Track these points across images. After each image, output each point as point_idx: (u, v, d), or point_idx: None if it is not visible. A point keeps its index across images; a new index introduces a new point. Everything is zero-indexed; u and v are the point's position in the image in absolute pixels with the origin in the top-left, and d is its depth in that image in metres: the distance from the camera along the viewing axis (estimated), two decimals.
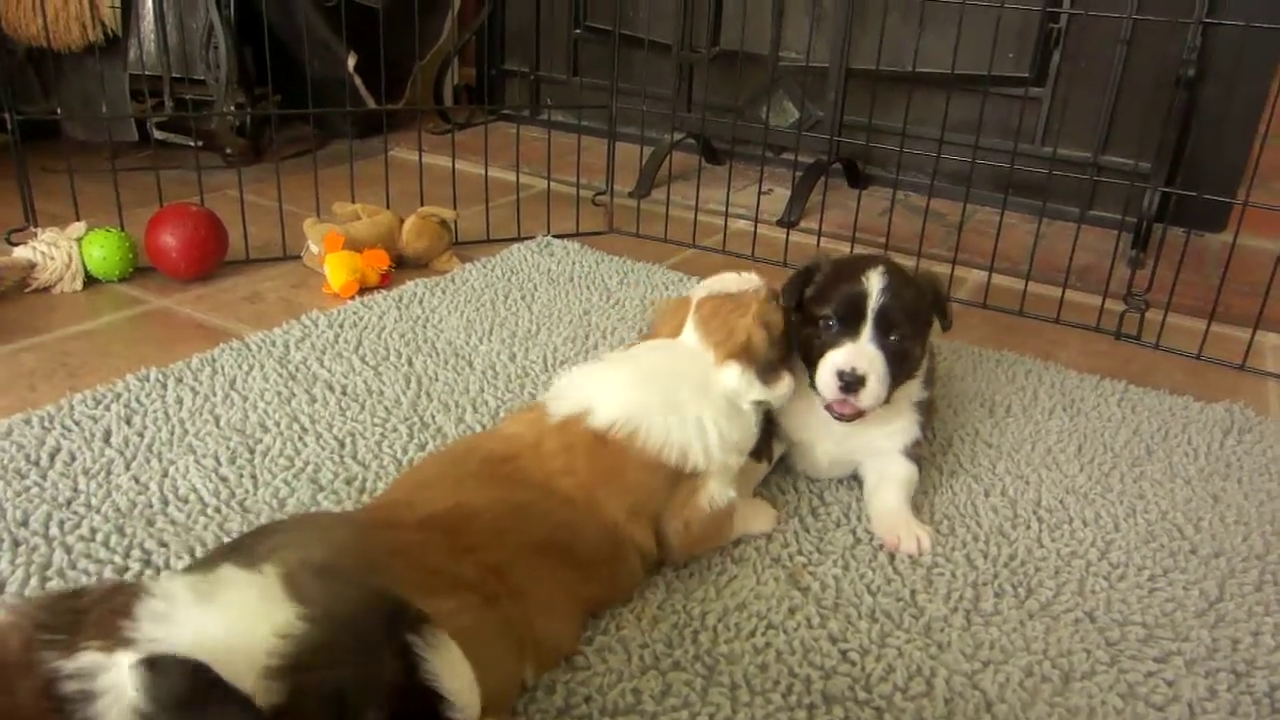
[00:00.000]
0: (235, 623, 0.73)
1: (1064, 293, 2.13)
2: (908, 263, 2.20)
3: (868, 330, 1.32)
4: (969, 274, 2.35)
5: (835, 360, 1.32)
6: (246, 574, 0.79)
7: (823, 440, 1.43)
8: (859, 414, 1.34)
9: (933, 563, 1.30)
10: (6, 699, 0.72)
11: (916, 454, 1.45)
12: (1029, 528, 1.39)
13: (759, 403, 1.32)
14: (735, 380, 1.28)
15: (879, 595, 1.24)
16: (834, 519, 1.38)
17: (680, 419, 1.24)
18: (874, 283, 1.33)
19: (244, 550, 1.00)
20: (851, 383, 1.30)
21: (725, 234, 2.48)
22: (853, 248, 2.29)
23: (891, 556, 1.31)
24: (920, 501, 1.43)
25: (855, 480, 1.47)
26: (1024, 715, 1.06)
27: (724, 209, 2.49)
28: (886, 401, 1.35)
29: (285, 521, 1.10)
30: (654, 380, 1.28)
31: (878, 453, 1.43)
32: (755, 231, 2.42)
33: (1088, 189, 2.47)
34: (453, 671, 0.78)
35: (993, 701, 1.08)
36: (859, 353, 1.32)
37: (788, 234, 2.47)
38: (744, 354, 1.30)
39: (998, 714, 1.06)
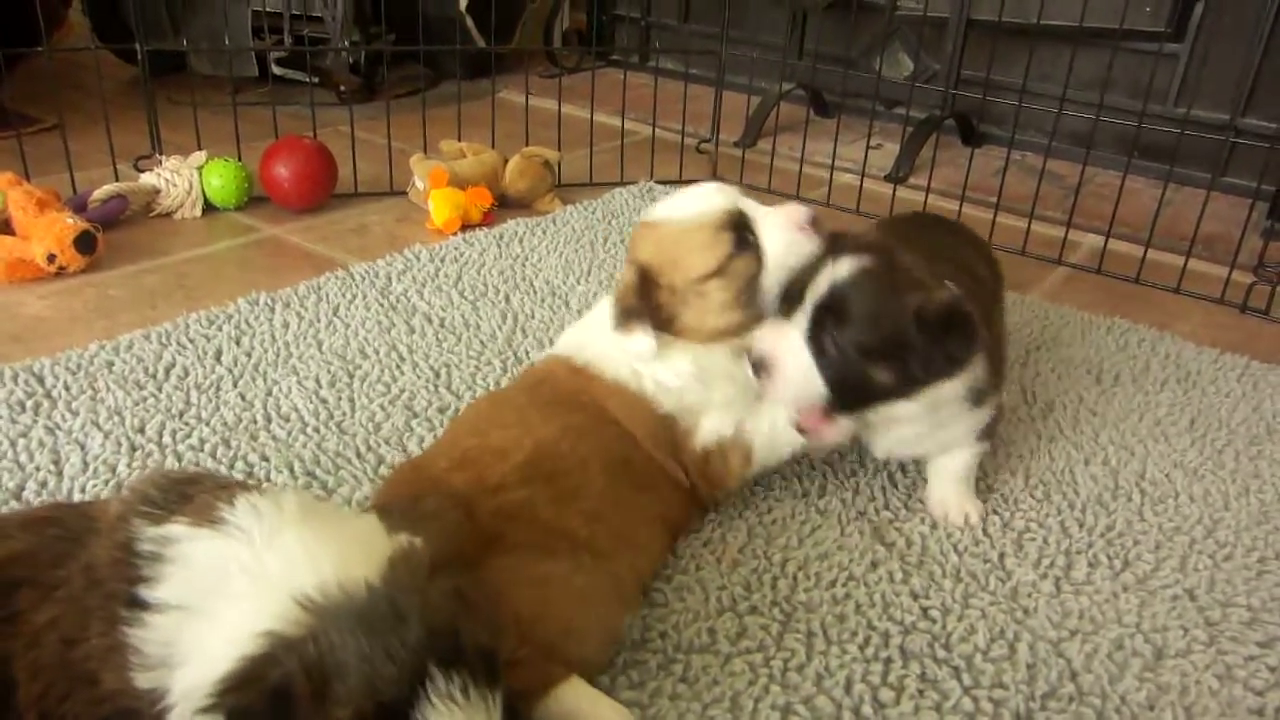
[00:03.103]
0: (314, 553, 0.74)
1: (1187, 261, 2.03)
2: (1018, 225, 2.15)
3: (801, 317, 1.09)
4: (1084, 238, 2.26)
5: (754, 338, 1.13)
6: (357, 517, 0.80)
7: (875, 437, 1.24)
8: (824, 437, 1.14)
9: (1025, 527, 1.26)
10: (88, 555, 0.77)
11: (986, 436, 1.27)
12: (1130, 499, 1.34)
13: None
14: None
15: (965, 555, 1.21)
16: (924, 476, 1.35)
17: (620, 358, 1.17)
18: (837, 270, 1.07)
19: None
20: (755, 365, 1.10)
21: (830, 187, 2.43)
22: (962, 206, 2.22)
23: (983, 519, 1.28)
24: (1016, 465, 1.39)
25: None
26: (1110, 688, 1.03)
27: (830, 162, 2.43)
28: (847, 428, 1.15)
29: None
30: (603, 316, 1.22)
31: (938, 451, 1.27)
32: (861, 186, 2.36)
33: (1222, 153, 2.34)
34: None
35: (1078, 671, 1.05)
36: (776, 334, 1.10)
37: (894, 190, 2.40)
38: (616, 298, 1.18)
39: (1082, 684, 1.03)
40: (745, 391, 1.17)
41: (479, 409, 1.23)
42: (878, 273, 1.07)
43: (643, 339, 1.13)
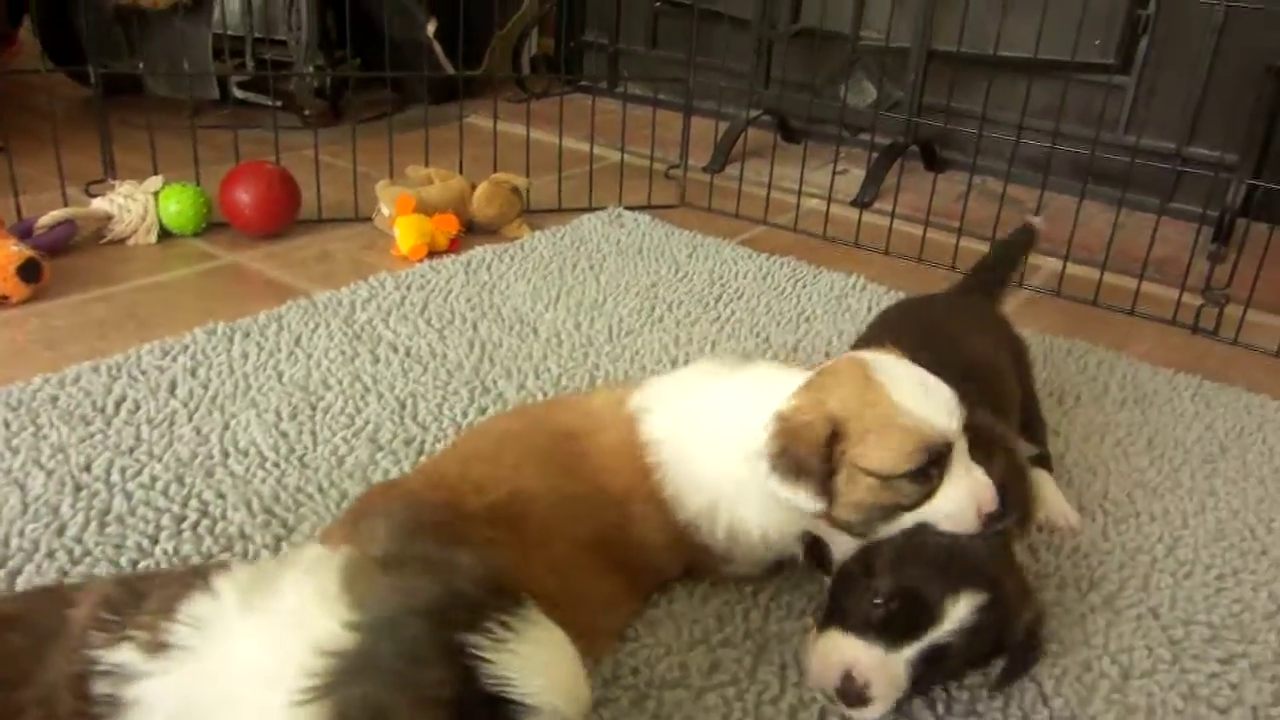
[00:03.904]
0: (274, 636, 0.69)
1: (1140, 284, 2.07)
2: (981, 248, 2.17)
3: (911, 652, 0.98)
4: (1044, 262, 2.29)
5: (843, 650, 0.99)
6: (304, 574, 0.74)
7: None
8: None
9: None
10: (47, 677, 0.70)
11: None
12: (1094, 520, 1.35)
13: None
14: (761, 457, 1.04)
15: None
16: None
17: (706, 474, 1.08)
18: (956, 612, 0.98)
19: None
20: (849, 694, 0.97)
21: (798, 212, 2.45)
22: (926, 231, 2.25)
23: None
24: None
25: None
26: (1081, 711, 1.04)
27: (797, 187, 2.45)
28: None
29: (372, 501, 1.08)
30: (711, 411, 1.10)
31: None
32: (828, 211, 2.39)
33: (1170, 180, 2.40)
34: (537, 668, 0.69)
35: (1049, 695, 1.06)
36: (877, 663, 0.98)
37: (861, 214, 2.43)
38: (791, 441, 1.02)
39: (1054, 708, 1.04)
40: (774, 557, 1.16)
41: (484, 436, 1.21)
42: (990, 612, 0.99)
43: (813, 501, 1.01)
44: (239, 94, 2.90)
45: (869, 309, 1.95)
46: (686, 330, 1.83)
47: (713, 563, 1.14)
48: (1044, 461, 1.41)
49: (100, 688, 0.69)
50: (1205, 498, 1.43)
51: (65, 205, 2.03)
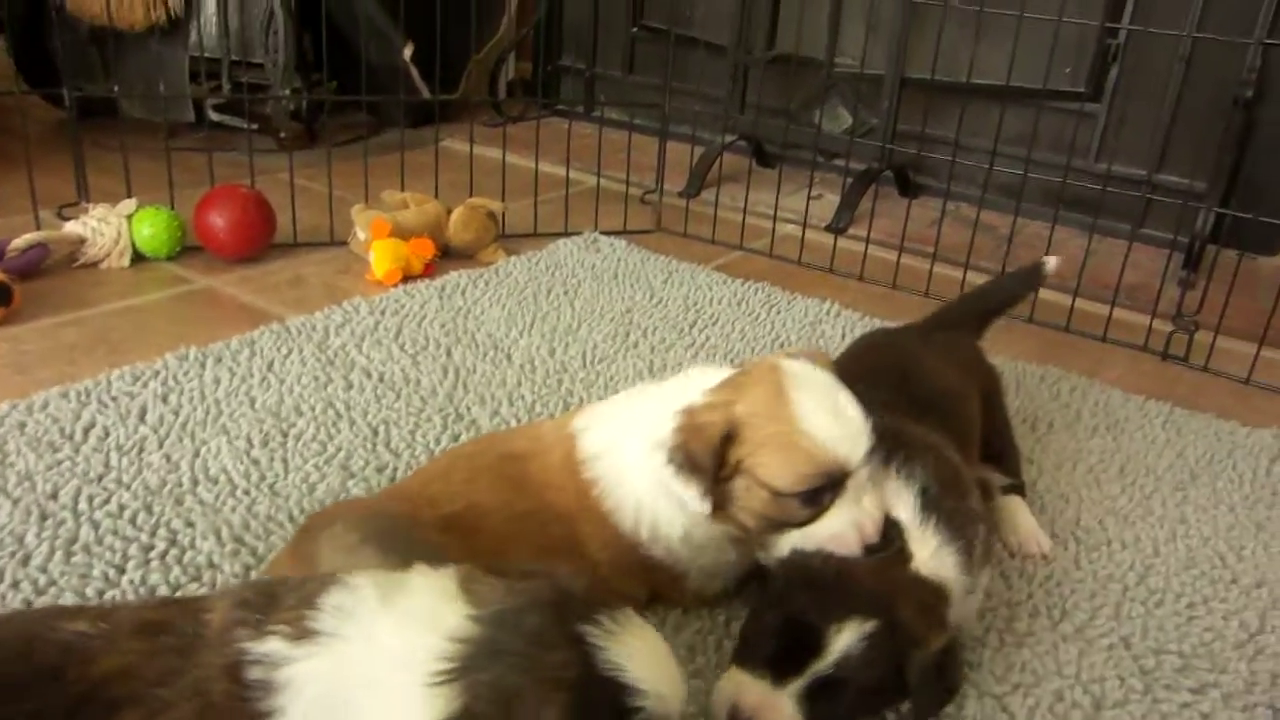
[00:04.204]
0: (409, 626, 0.76)
1: (1112, 310, 2.09)
2: (955, 275, 2.19)
3: (796, 687, 0.95)
4: None
5: (731, 687, 0.98)
6: (427, 577, 0.81)
7: None
8: None
9: None
10: (197, 672, 0.75)
11: None
12: (1066, 548, 1.36)
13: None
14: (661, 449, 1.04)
15: None
16: None
17: (630, 477, 1.07)
18: (840, 642, 0.94)
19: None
20: None
21: (773, 238, 2.46)
22: (900, 257, 2.26)
23: None
24: None
25: None
26: None
27: (773, 212, 2.46)
28: None
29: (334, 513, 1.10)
30: (639, 419, 1.09)
31: None
32: (803, 236, 2.40)
33: (1140, 207, 2.43)
34: (643, 659, 0.77)
35: None
36: (762, 700, 0.96)
37: (836, 240, 2.44)
38: (690, 436, 1.03)
39: None
40: (726, 568, 1.15)
41: (441, 462, 1.22)
42: (880, 642, 0.95)
43: (699, 500, 1.01)
44: (214, 116, 2.89)
45: (843, 335, 1.96)
46: (661, 356, 1.83)
47: (670, 582, 1.14)
48: (1018, 490, 1.41)
49: (252, 674, 0.74)
50: (1176, 525, 1.43)
51: (38, 228, 2.01)
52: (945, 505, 1.06)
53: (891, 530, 1.03)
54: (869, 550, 1.02)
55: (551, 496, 1.11)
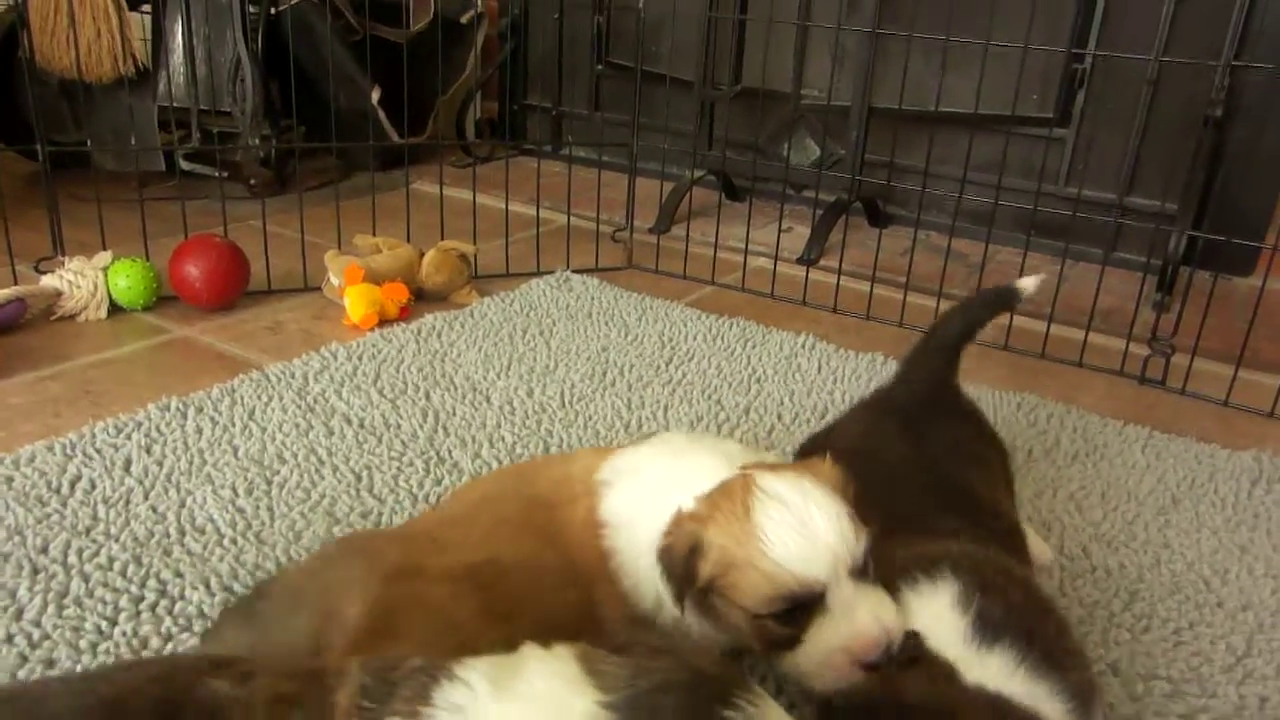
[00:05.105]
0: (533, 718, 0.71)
1: (1087, 336, 2.11)
2: (928, 304, 2.21)
3: None
4: None
5: None
6: (544, 661, 0.75)
7: None
8: None
9: None
10: None
11: None
12: (1051, 576, 1.37)
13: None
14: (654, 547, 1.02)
15: None
16: None
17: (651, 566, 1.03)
18: None
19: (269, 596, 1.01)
20: None
21: (744, 271, 2.48)
22: (873, 287, 2.28)
23: None
24: None
25: None
26: None
27: (744, 246, 2.48)
28: None
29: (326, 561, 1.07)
30: (662, 498, 1.04)
31: None
32: (775, 269, 2.41)
33: (1112, 231, 2.46)
34: None
35: None
36: None
37: (807, 272, 2.46)
38: (668, 544, 1.01)
39: None
40: None
41: (463, 501, 1.18)
42: None
43: (674, 606, 1.01)
44: (185, 165, 2.89)
45: (819, 368, 1.97)
46: (639, 394, 1.83)
47: None
48: None
49: None
50: (1160, 550, 1.44)
51: (15, 283, 2.01)
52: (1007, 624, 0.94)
53: (911, 643, 0.94)
54: (871, 667, 0.94)
55: (575, 555, 1.07)
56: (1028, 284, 1.52)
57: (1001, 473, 1.33)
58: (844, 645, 0.94)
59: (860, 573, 0.96)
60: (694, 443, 1.16)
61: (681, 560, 0.98)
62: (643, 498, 1.08)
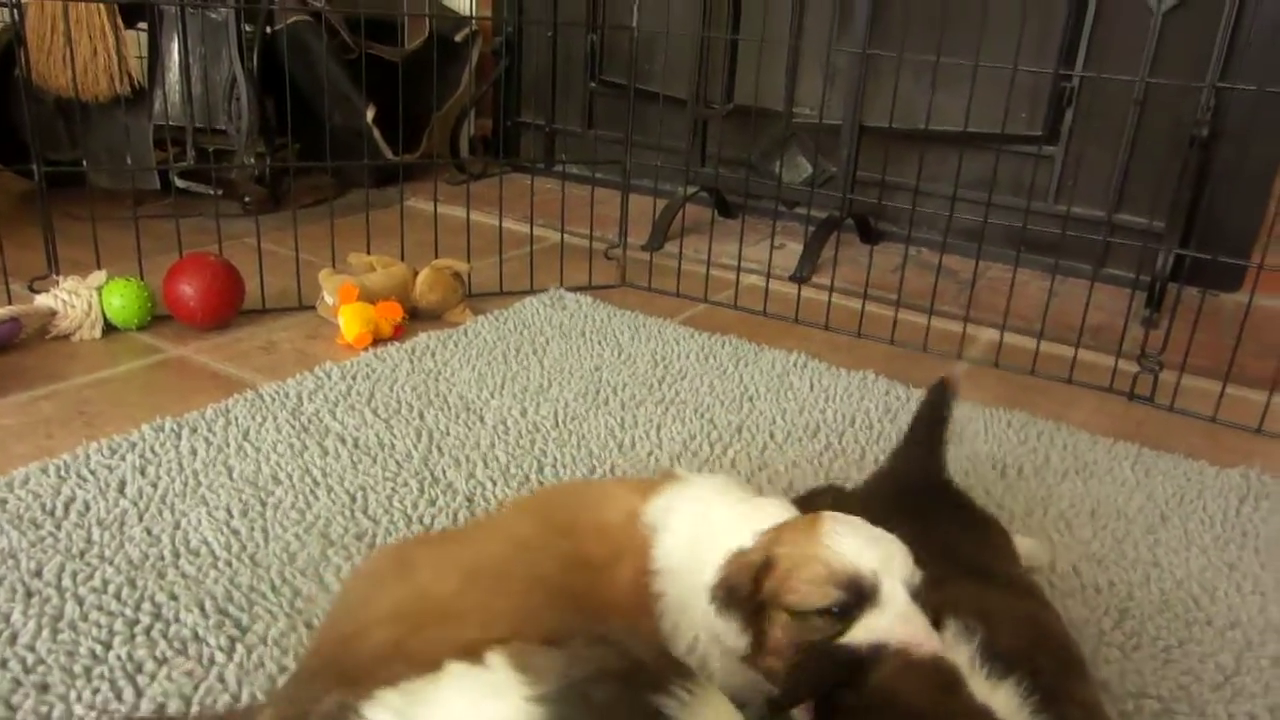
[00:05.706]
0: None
1: (1077, 352, 2.12)
2: (919, 321, 2.22)
3: None
4: (980, 332, 2.35)
5: None
6: (462, 672, 0.73)
7: None
8: None
9: None
10: None
11: None
12: (1048, 581, 1.37)
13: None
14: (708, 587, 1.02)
15: None
16: None
17: (700, 616, 1.02)
18: None
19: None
20: None
21: (737, 289, 2.49)
22: (864, 305, 2.30)
23: None
24: None
25: None
26: None
27: (736, 264, 2.50)
28: None
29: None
30: (717, 545, 1.04)
31: None
32: (767, 287, 2.43)
33: (1101, 248, 2.48)
34: None
35: None
36: None
37: (800, 289, 2.48)
38: (731, 571, 1.01)
39: None
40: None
41: (493, 543, 1.08)
42: None
43: (737, 634, 1.00)
44: (180, 183, 2.90)
45: (810, 386, 1.98)
46: (632, 413, 1.84)
47: None
48: None
49: None
50: (1150, 568, 1.45)
51: (9, 303, 2.01)
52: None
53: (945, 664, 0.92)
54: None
55: (617, 617, 1.03)
56: (957, 369, 1.55)
57: (1007, 547, 1.33)
58: (890, 632, 0.93)
59: (914, 595, 0.97)
60: (741, 487, 1.16)
61: (750, 572, 0.99)
62: (699, 541, 1.07)
